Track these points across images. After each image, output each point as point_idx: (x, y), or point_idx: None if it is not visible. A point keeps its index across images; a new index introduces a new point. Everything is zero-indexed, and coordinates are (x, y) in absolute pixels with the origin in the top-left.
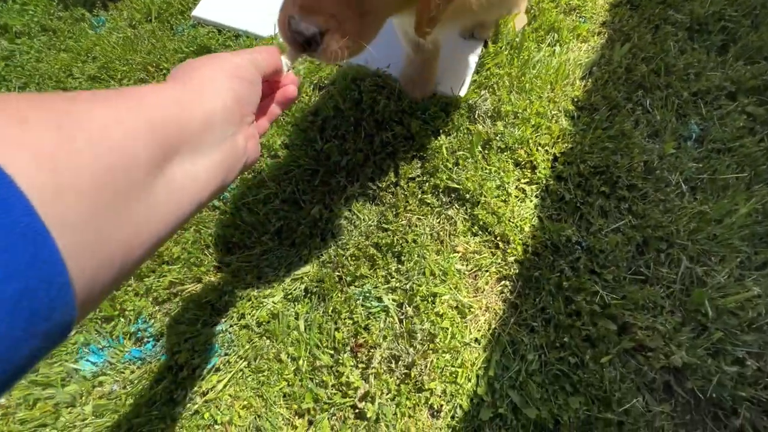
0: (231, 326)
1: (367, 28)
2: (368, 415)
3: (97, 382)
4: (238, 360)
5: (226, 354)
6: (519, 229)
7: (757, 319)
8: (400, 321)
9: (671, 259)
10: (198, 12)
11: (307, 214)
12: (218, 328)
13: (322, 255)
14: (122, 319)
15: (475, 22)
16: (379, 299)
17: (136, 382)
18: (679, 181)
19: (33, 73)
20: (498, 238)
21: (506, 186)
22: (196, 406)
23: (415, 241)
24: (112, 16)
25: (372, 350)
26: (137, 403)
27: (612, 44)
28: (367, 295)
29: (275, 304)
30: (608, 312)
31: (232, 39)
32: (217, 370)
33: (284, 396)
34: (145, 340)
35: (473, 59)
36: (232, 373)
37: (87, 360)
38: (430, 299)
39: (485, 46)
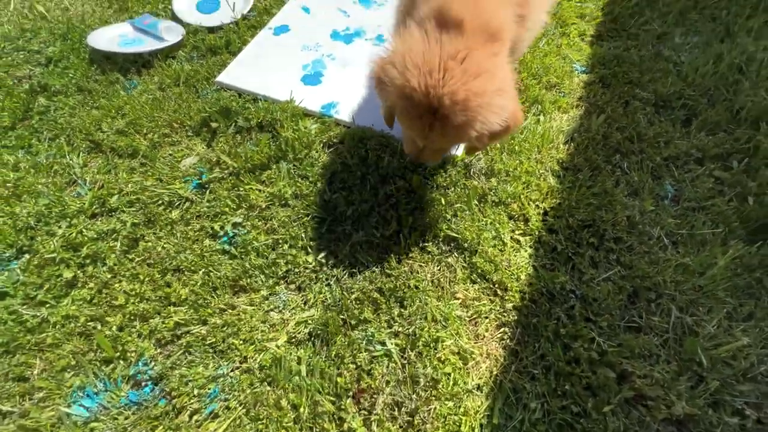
0: (233, 370)
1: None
2: None
3: (88, 429)
4: (237, 406)
5: (225, 399)
6: (515, 277)
7: (751, 369)
8: (403, 366)
9: (662, 309)
10: (222, 78)
11: (314, 259)
12: (220, 371)
13: (327, 299)
14: (122, 362)
15: None
16: (383, 343)
17: (130, 428)
18: (660, 236)
19: (65, 126)
20: (496, 286)
21: (502, 236)
22: None
23: (417, 287)
24: (143, 80)
25: (375, 396)
26: None
27: (589, 115)
28: (371, 338)
29: (278, 347)
30: (606, 359)
31: (251, 102)
32: (216, 416)
33: None
34: (144, 383)
35: None
36: (230, 420)
37: (80, 405)
38: (432, 344)
39: None
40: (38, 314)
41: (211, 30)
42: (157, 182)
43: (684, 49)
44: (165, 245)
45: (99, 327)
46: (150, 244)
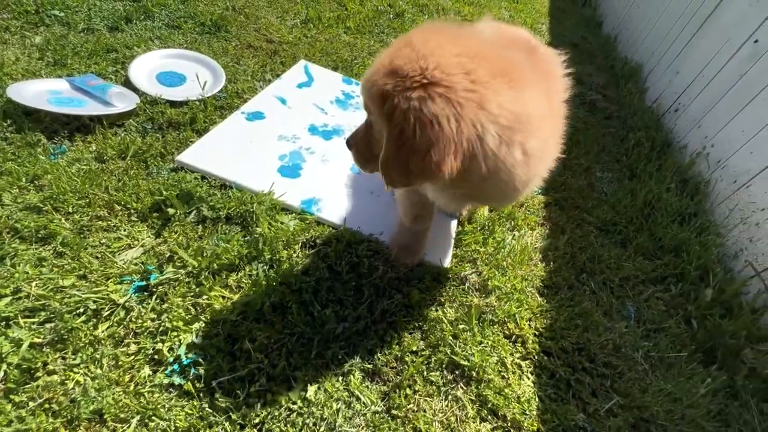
0: None
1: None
2: None
3: None
4: None
5: None
6: (526, 412)
7: None
8: None
9: None
10: (184, 157)
11: (300, 396)
12: None
13: None
14: None
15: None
16: None
17: None
18: (640, 360)
19: None
20: (509, 424)
21: (504, 361)
22: None
23: (428, 431)
24: (77, 147)
25: None
26: None
27: (554, 234)
28: None
29: None
30: None
31: (218, 189)
32: None
33: None
34: None
35: (452, 234)
36: None
37: None
38: None
39: (460, 224)
40: None
41: (173, 104)
42: (79, 281)
43: (605, 182)
44: (81, 378)
45: None
46: (56, 377)
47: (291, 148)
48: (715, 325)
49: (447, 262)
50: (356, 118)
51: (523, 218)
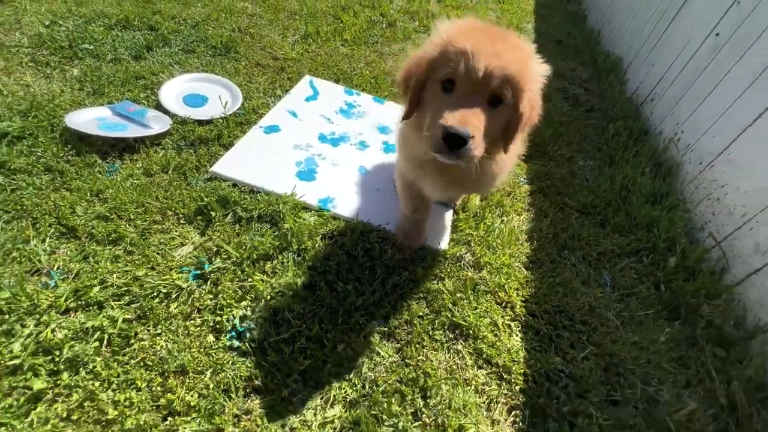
0: None
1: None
2: None
3: None
4: None
5: None
6: (515, 360)
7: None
8: None
9: (629, 382)
10: (217, 168)
11: (332, 351)
12: None
13: (348, 395)
14: None
15: (471, 191)
16: None
17: None
18: (612, 318)
19: (31, 208)
20: (501, 369)
21: (497, 322)
22: None
23: (435, 375)
24: (126, 165)
25: None
26: None
27: (538, 218)
28: None
29: None
30: None
31: (248, 193)
32: None
33: None
34: None
35: (448, 221)
36: None
37: None
38: None
39: (455, 212)
40: None
41: (200, 123)
42: (150, 272)
43: (587, 170)
44: (164, 343)
45: None
46: (146, 342)
47: (305, 155)
48: (679, 286)
49: (444, 245)
50: (359, 125)
51: (511, 205)
